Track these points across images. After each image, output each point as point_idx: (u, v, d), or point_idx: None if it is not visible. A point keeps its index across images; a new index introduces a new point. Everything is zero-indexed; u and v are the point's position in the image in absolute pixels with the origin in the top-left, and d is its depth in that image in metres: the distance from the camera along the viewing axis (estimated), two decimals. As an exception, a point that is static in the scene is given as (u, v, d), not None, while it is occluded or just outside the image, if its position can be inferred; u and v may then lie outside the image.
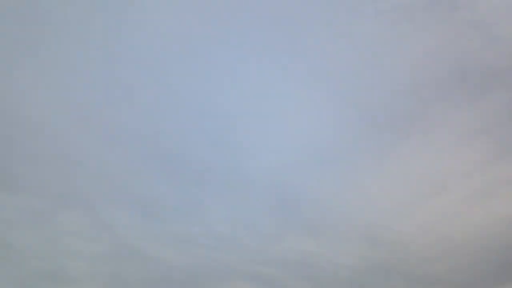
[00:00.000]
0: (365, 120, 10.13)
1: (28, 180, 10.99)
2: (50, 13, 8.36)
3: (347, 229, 14.70)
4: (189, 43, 9.49)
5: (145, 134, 11.08)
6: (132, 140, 11.08)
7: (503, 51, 8.82)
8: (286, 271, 16.80)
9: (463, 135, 10.93)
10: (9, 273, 12.83)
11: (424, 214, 13.91)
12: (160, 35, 9.27)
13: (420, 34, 8.33)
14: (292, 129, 11.10)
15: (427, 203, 13.45)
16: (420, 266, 17.17)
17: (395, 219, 14.33)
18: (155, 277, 15.58)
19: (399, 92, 9.23)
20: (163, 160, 11.84)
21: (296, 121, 10.89)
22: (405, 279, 18.20)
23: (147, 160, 11.70)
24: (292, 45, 8.77)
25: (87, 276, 15.02)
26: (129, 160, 11.58)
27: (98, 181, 11.89)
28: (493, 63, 9.04)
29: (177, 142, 11.48)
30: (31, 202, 11.52)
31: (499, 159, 11.42)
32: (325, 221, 14.38)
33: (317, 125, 10.77)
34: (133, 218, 13.14)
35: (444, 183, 12.49)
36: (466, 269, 16.71)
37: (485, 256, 15.74)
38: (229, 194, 13.04)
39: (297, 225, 14.46)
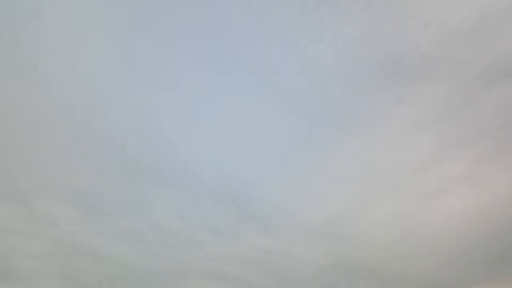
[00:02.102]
0: (302, 112, 9.64)
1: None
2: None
3: (303, 226, 14.23)
4: (127, 42, 9.08)
5: (80, 126, 10.67)
6: (66, 133, 10.68)
7: (436, 36, 8.24)
8: (246, 269, 16.35)
9: (410, 130, 10.39)
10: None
11: (381, 211, 13.37)
12: (94, 29, 8.85)
13: (343, 17, 7.79)
14: (233, 127, 10.63)
15: (382, 200, 12.91)
16: (387, 264, 16.65)
17: (352, 216, 13.81)
18: (107, 276, 15.21)
19: (331, 83, 8.70)
20: (102, 154, 11.45)
21: (236, 118, 10.41)
22: (372, 277, 17.68)
23: (85, 154, 11.30)
24: (214, 39, 8.29)
25: (37, 275, 14.68)
26: (65, 153, 11.17)
27: (34, 175, 11.51)
28: (428, 50, 8.47)
29: (117, 137, 11.09)
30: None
31: (449, 154, 10.85)
32: (280, 218, 13.92)
33: (256, 121, 10.30)
34: (75, 214, 12.78)
35: (396, 179, 11.95)
36: (433, 267, 16.16)
37: (450, 255, 15.17)
38: (175, 189, 12.64)
39: (252, 222, 14.02)
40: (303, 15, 7.77)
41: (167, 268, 15.31)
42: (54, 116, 10.19)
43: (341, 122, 10.14)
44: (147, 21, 8.66)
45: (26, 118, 10.15)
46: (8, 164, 11.21)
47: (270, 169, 11.99)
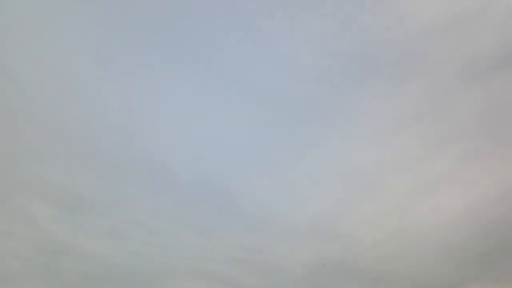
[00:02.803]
0: (280, 109, 9.45)
1: None
2: None
3: (289, 225, 14.04)
4: (99, 38, 8.91)
5: (55, 124, 10.52)
6: (41, 131, 10.54)
7: (412, 31, 8.01)
8: (233, 269, 16.19)
9: (391, 127, 10.16)
10: None
11: (367, 210, 13.16)
12: (65, 26, 8.70)
13: (316, 12, 7.57)
14: (211, 124, 10.45)
15: (368, 199, 12.69)
16: (377, 263, 16.44)
17: (338, 215, 13.60)
18: (93, 276, 15.08)
19: (308, 79, 8.49)
20: (79, 152, 11.30)
21: (213, 116, 10.22)
22: (363, 277, 17.49)
23: (61, 152, 11.15)
24: (185, 35, 8.10)
25: (21, 275, 14.56)
26: (41, 152, 11.03)
27: (11, 174, 11.38)
28: (405, 46, 8.25)
29: (92, 135, 10.94)
30: None
31: (433, 152, 10.62)
32: (265, 217, 13.74)
33: (234, 118, 10.12)
34: (55, 213, 12.65)
35: (380, 178, 11.72)
36: (423, 267, 15.95)
37: (440, 255, 14.95)
38: (154, 187, 12.48)
39: (236, 221, 13.84)
40: (274, 10, 7.57)
41: (153, 268, 15.16)
42: (27, 114, 10.04)
43: (321, 120, 9.94)
44: (119, 17, 8.49)
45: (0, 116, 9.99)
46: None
47: (250, 167, 11.80)
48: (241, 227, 14.19)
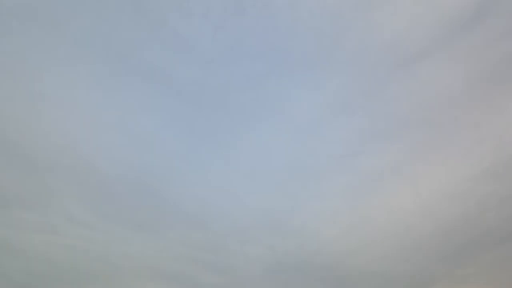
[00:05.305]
0: (193, 100, 8.66)
1: None
2: None
3: (234, 221, 13.31)
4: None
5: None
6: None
7: (318, 12, 7.18)
8: (182, 267, 15.53)
9: (323, 118, 9.34)
10: None
11: (315, 205, 12.33)
12: None
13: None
14: (128, 120, 9.72)
15: (311, 193, 11.88)
16: (336, 260, 15.67)
17: (284, 211, 12.85)
18: (33, 272, 14.49)
19: (215, 63, 7.71)
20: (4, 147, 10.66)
21: (125, 111, 9.47)
22: (326, 274, 16.71)
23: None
24: (76, 16, 7.36)
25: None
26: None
27: None
28: (314, 25, 7.41)
29: (8, 131, 10.25)
30: None
31: (371, 146, 9.76)
32: (207, 213, 13.04)
33: (148, 113, 9.31)
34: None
35: (319, 172, 10.89)
36: (387, 265, 15.13)
37: (401, 252, 14.11)
38: (83, 183, 11.81)
39: (175, 217, 13.16)
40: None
41: (95, 264, 14.55)
42: None
43: (241, 108, 9.17)
44: (24, 10, 7.74)
45: None
46: None
47: (179, 163, 11.06)
48: (182, 223, 13.51)
